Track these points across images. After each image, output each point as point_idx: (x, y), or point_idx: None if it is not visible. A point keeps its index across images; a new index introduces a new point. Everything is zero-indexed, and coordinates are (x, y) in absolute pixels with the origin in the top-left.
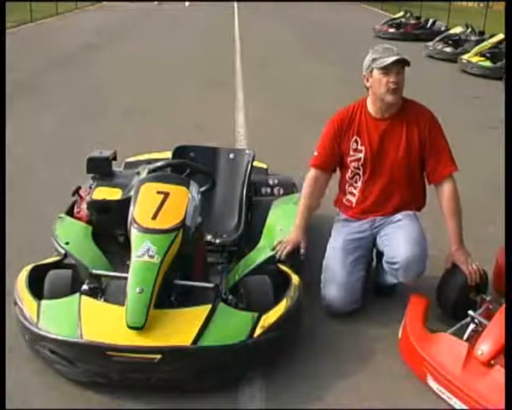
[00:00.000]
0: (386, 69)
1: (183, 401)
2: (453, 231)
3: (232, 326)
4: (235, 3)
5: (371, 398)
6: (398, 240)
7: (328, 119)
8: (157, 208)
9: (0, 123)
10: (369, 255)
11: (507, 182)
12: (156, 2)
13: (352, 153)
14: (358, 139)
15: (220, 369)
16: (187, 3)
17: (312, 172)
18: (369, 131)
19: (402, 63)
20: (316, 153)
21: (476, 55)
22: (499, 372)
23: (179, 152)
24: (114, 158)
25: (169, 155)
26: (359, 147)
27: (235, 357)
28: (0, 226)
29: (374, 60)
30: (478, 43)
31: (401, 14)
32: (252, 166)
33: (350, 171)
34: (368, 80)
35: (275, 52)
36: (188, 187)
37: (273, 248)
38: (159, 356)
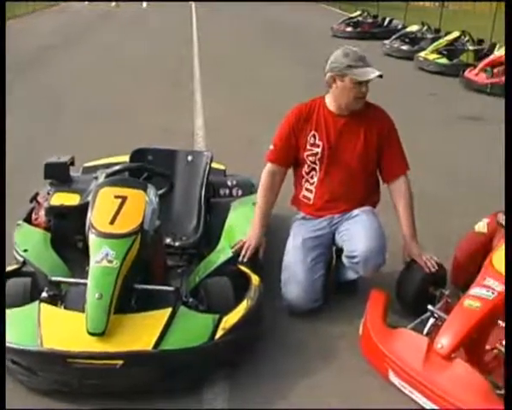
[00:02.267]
0: (361, 80)
1: (146, 404)
2: (406, 226)
3: (193, 329)
4: (193, 4)
5: (335, 396)
6: (356, 234)
7: (287, 113)
8: (115, 213)
9: (0, 124)
10: (328, 253)
11: (507, 182)
12: (113, 4)
13: (309, 147)
14: (316, 134)
15: (183, 372)
16: (144, 4)
17: (269, 167)
18: (327, 126)
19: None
20: (272, 147)
21: (432, 52)
22: (460, 365)
23: (137, 155)
24: (72, 163)
25: (127, 158)
26: (317, 142)
27: (197, 359)
28: (0, 227)
29: (350, 67)
30: (434, 40)
31: (358, 13)
32: (210, 167)
33: (306, 166)
34: (335, 81)
35: (233, 53)
36: (145, 190)
37: (235, 252)
38: (120, 362)
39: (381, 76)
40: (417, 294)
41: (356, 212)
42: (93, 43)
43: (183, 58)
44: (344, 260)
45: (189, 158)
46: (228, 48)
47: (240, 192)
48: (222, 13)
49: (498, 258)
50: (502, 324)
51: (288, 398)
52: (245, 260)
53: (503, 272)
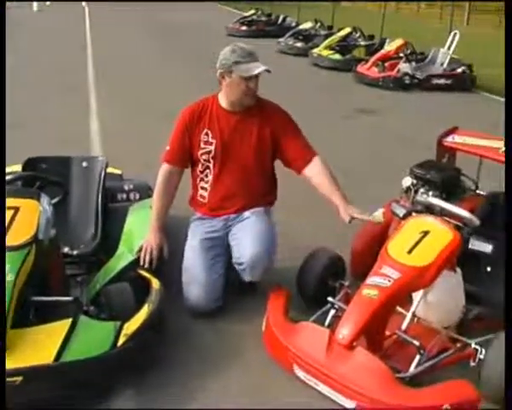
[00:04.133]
0: (246, 76)
1: None
2: (337, 193)
3: (95, 338)
4: (86, 6)
5: (241, 394)
6: (243, 240)
7: (180, 112)
8: (7, 225)
9: (0, 126)
10: (226, 253)
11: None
12: None
13: (202, 145)
14: (209, 132)
15: (87, 382)
16: (35, 5)
17: (165, 168)
18: (220, 123)
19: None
20: (168, 147)
21: (326, 48)
22: (361, 353)
23: (30, 164)
24: None
25: (19, 168)
26: (210, 139)
27: (101, 368)
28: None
29: (236, 63)
30: (327, 37)
31: (252, 11)
32: (105, 172)
33: (201, 165)
34: (224, 78)
35: (128, 54)
36: (38, 200)
37: (137, 257)
38: (20, 378)
39: (268, 71)
40: (317, 287)
41: (247, 214)
42: None
43: (77, 62)
44: (234, 264)
45: (84, 164)
46: (123, 50)
47: (137, 196)
48: (116, 14)
49: (394, 246)
50: (400, 310)
51: (198, 399)
52: (146, 264)
53: (399, 260)
